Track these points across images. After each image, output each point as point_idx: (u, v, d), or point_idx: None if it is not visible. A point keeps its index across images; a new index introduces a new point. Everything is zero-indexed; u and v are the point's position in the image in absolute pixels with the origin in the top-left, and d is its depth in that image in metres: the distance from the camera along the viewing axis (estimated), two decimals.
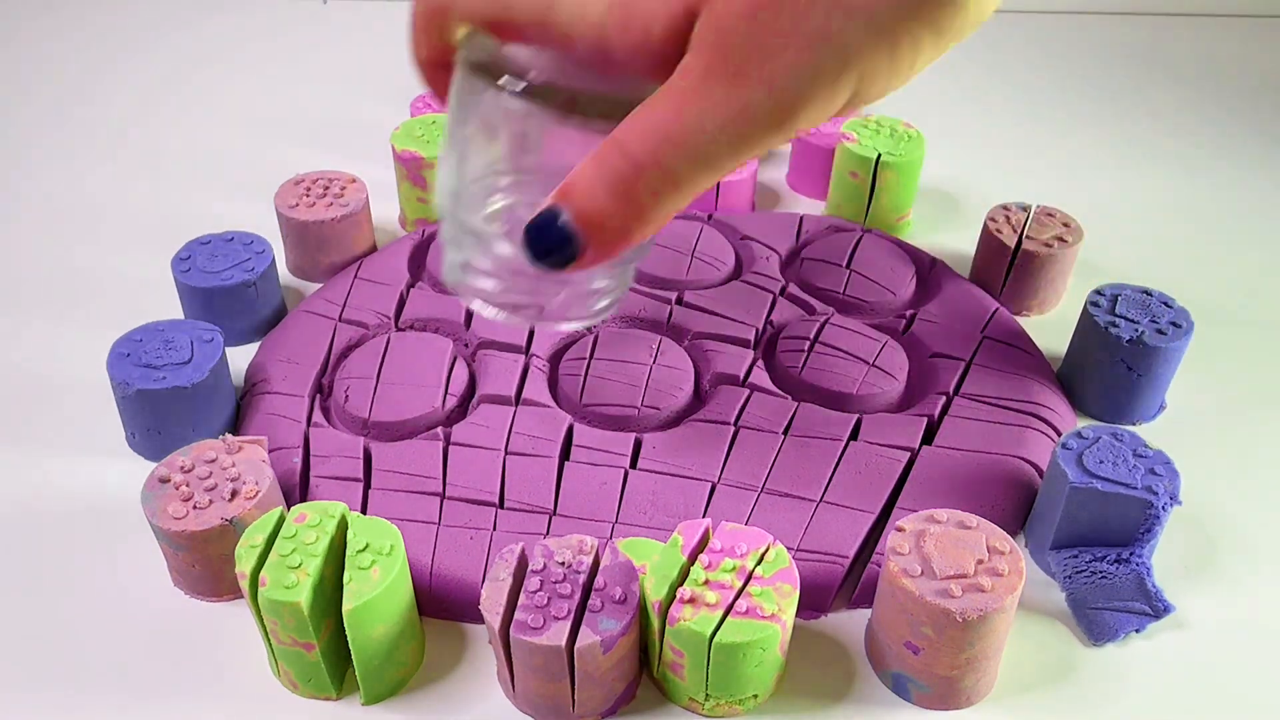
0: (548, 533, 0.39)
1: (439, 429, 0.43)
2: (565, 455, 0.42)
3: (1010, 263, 0.51)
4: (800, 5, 0.23)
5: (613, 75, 0.26)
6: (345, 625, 0.32)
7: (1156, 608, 0.37)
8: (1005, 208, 0.53)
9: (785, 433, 0.43)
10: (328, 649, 0.34)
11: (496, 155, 0.30)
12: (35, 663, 0.36)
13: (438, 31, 0.28)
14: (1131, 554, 0.38)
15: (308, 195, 0.52)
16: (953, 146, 0.65)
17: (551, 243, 0.26)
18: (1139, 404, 0.46)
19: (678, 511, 0.40)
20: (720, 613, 0.32)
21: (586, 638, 0.31)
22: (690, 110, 0.24)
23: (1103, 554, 0.38)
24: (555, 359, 0.46)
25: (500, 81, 0.27)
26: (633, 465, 0.41)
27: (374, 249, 0.54)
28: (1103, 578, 0.38)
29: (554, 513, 0.40)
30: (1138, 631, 0.37)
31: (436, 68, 0.29)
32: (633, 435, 0.42)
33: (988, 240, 0.52)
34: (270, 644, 0.34)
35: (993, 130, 0.69)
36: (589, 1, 0.25)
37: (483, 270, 0.31)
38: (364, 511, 0.40)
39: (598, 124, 0.27)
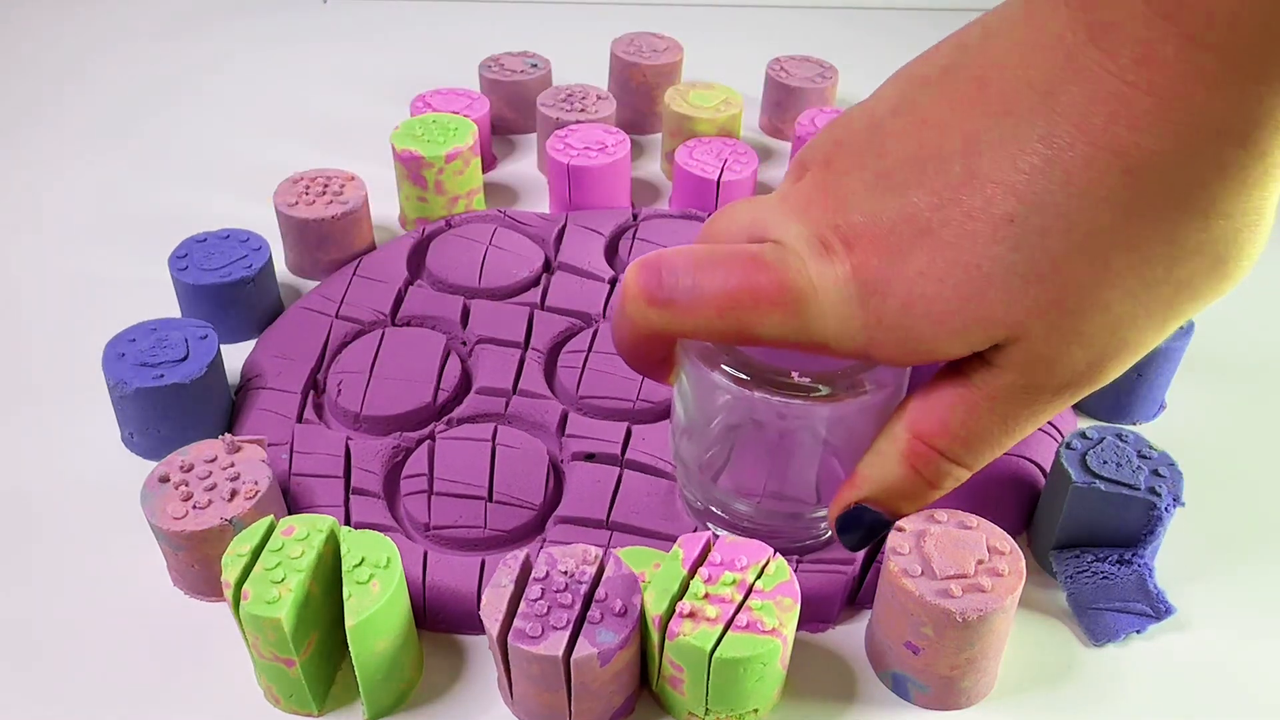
0: (546, 540, 0.39)
1: (431, 425, 0.43)
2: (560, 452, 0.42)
3: None
4: (1102, 327, 0.24)
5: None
6: (349, 641, 0.32)
7: (1158, 609, 0.37)
8: None
9: None
10: (309, 666, 0.33)
11: (713, 413, 0.35)
12: (33, 664, 0.36)
13: (660, 346, 0.31)
14: (1134, 555, 0.38)
15: (307, 193, 0.52)
16: None
17: (872, 530, 0.30)
18: (1139, 404, 0.46)
19: (674, 515, 0.39)
20: (720, 627, 0.32)
21: (584, 649, 0.31)
22: (992, 414, 0.26)
23: (1105, 555, 0.38)
24: (553, 353, 0.46)
25: (723, 368, 0.32)
26: (623, 453, 0.41)
27: (373, 248, 0.54)
28: (1104, 578, 0.38)
29: (541, 508, 0.40)
30: (1138, 632, 0.37)
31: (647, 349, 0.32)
32: (625, 424, 0.43)
33: None
34: (253, 656, 0.34)
35: None
36: (843, 320, 0.26)
37: (720, 521, 0.38)
38: (347, 511, 0.39)
39: (812, 401, 0.31)
